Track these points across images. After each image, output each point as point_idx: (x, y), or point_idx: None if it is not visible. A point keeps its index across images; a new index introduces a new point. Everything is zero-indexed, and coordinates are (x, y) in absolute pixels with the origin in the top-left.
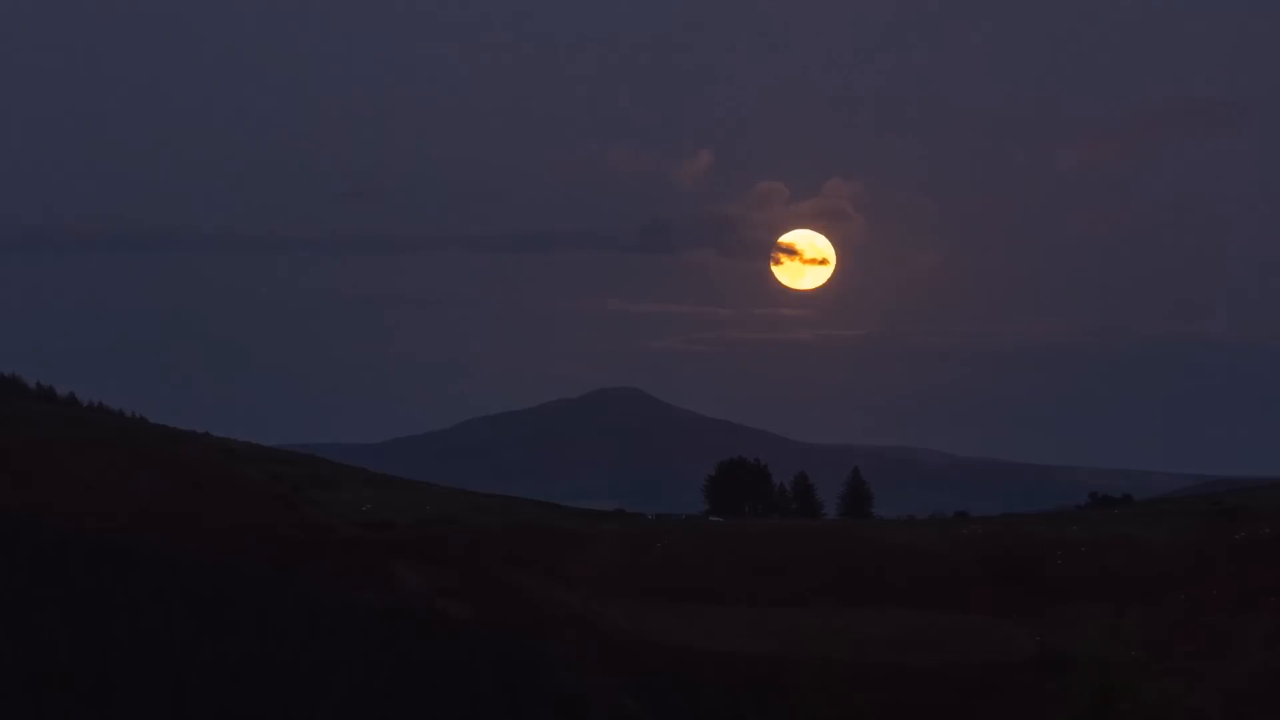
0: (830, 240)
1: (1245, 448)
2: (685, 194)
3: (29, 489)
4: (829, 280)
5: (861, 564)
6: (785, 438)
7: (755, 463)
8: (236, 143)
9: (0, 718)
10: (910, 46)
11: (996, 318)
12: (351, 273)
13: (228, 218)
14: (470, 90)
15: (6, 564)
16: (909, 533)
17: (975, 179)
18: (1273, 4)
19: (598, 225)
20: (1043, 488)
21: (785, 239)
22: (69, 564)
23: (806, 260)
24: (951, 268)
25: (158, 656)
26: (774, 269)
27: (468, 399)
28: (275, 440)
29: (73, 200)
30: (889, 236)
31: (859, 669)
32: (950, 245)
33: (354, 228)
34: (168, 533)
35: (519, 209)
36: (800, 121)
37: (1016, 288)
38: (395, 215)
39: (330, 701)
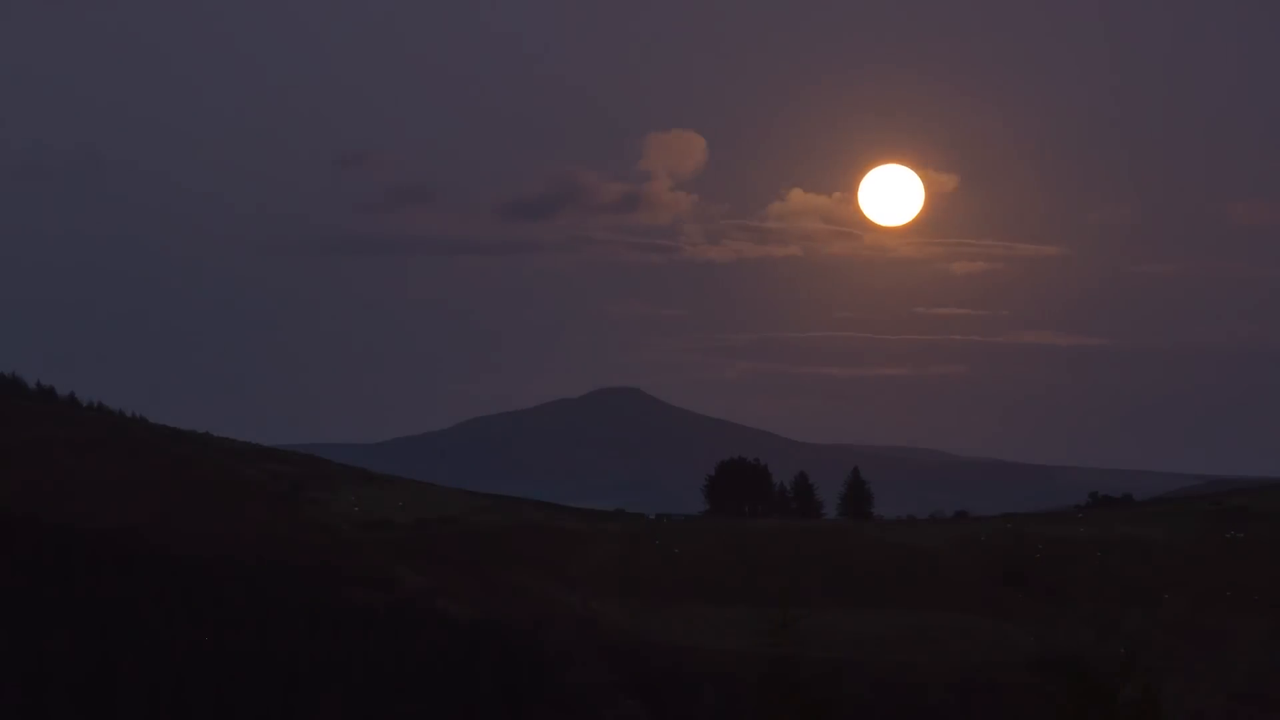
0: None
1: (1245, 448)
2: (686, 196)
3: (29, 489)
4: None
5: (861, 564)
6: (785, 438)
7: (755, 463)
8: (259, 142)
9: (0, 718)
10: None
11: (997, 320)
12: (352, 273)
13: (228, 218)
14: (479, 95)
15: (6, 564)
16: (909, 533)
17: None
18: None
19: (597, 226)
20: (1043, 488)
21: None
22: (69, 564)
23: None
24: (954, 267)
25: (158, 656)
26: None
27: (468, 399)
28: (275, 440)
29: (69, 199)
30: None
31: (859, 669)
32: (953, 245)
33: (356, 230)
34: (168, 533)
35: (518, 210)
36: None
37: (1017, 289)
38: (397, 217)
39: (330, 701)
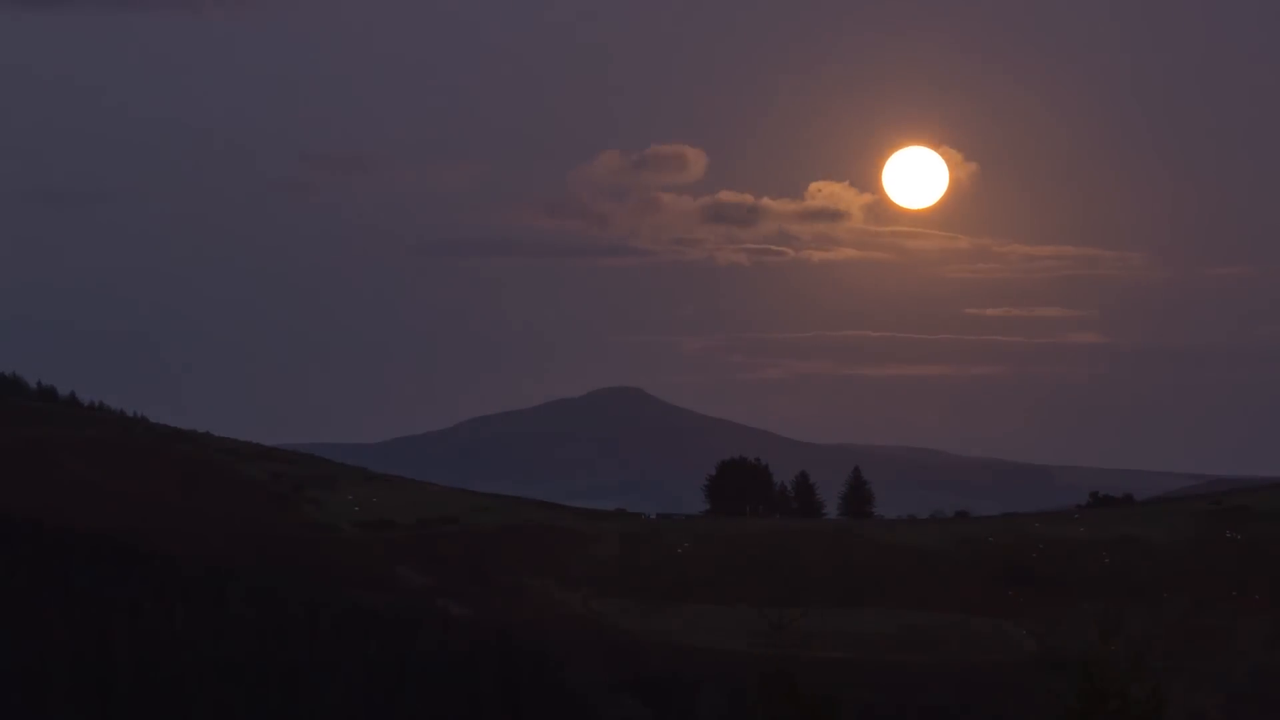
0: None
1: (1245, 448)
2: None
3: (29, 489)
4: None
5: (861, 564)
6: (785, 438)
7: (755, 463)
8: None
9: (0, 718)
10: None
11: (997, 319)
12: (351, 274)
13: (225, 219)
14: (480, 105)
15: (6, 564)
16: (909, 533)
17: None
18: None
19: (598, 228)
20: (1043, 488)
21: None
22: (69, 564)
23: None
24: (955, 265)
25: (158, 656)
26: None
27: (468, 399)
28: (275, 440)
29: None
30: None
31: (859, 669)
32: (952, 240)
33: (356, 231)
34: (168, 533)
35: (517, 211)
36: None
37: (1019, 287)
38: (397, 218)
39: (330, 701)
